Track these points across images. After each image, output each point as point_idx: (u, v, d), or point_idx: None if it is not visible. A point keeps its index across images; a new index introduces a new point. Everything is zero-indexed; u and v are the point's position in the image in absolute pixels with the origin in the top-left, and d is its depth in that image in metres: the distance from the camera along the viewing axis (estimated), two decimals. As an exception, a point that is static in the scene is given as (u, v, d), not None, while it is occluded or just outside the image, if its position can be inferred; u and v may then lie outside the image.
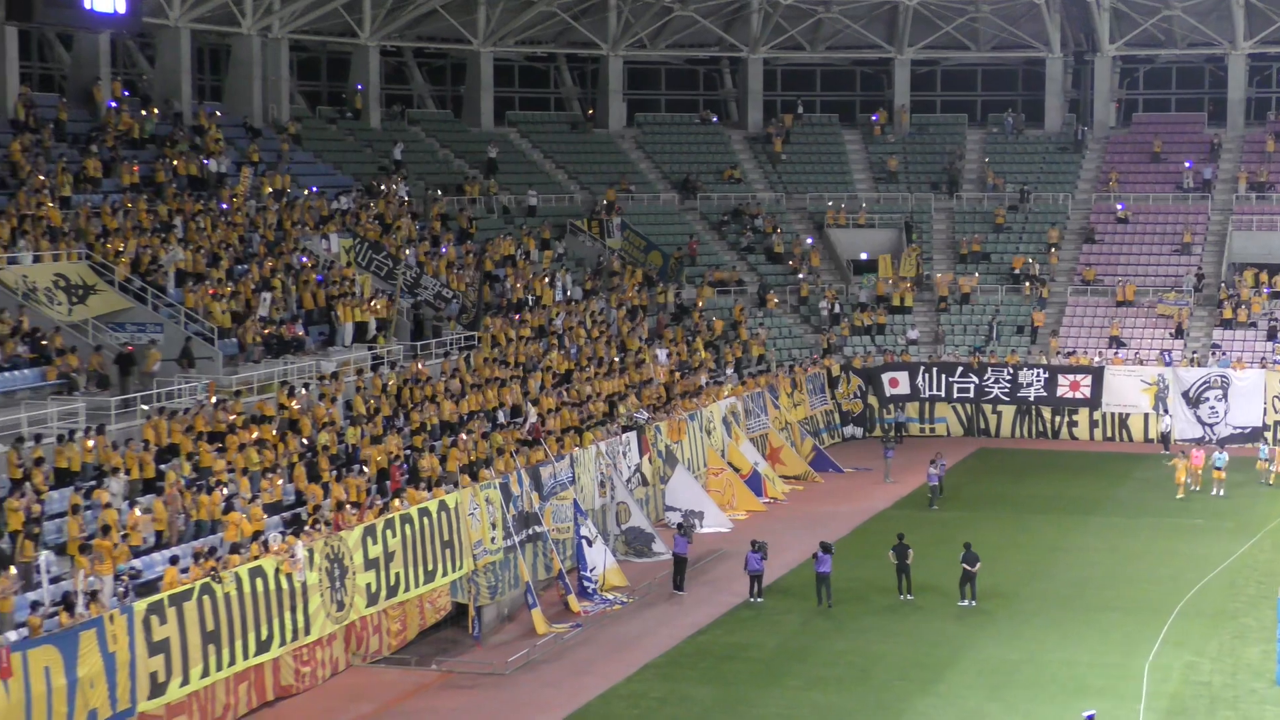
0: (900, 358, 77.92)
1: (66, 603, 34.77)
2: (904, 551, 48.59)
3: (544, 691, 40.31)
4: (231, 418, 46.13)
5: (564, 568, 49.11)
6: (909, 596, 48.22)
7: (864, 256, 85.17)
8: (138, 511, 39.81)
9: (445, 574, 45.20)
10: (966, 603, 47.33)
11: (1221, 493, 62.64)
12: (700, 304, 77.79)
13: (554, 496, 50.63)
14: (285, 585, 39.37)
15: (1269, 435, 70.60)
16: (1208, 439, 71.10)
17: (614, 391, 62.20)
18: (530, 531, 49.03)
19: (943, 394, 76.99)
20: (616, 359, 66.22)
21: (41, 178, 54.63)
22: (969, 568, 47.39)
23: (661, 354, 68.02)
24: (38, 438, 41.10)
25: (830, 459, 69.53)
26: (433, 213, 72.67)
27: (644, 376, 65.22)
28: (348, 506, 43.63)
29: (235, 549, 39.75)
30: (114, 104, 63.99)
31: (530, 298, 68.51)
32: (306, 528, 41.72)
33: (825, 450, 70.87)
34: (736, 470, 62.72)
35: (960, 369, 76.87)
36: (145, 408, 45.30)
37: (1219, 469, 63.08)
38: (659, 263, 79.41)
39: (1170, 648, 43.39)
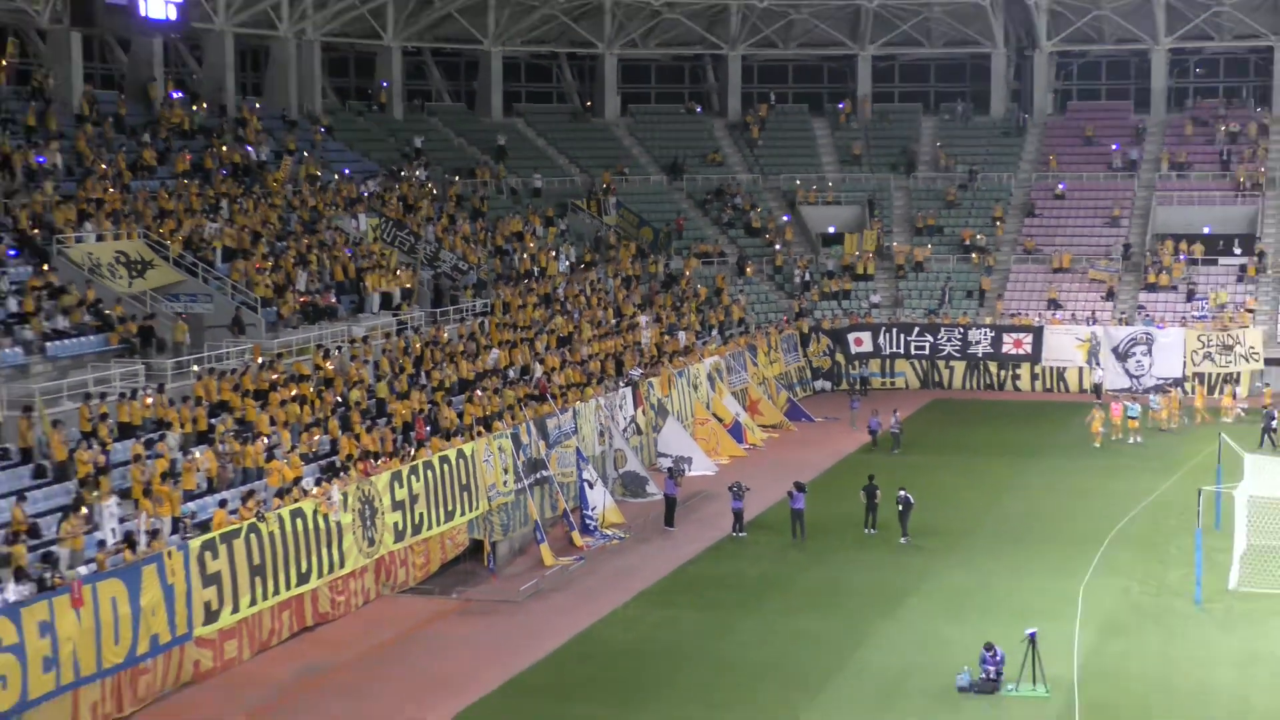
0: (864, 319, 77.82)
1: (129, 541, 34.81)
2: (873, 491, 48.54)
3: (552, 617, 40.34)
4: (274, 377, 46.11)
5: (568, 507, 49.09)
6: (873, 530, 48.21)
7: (831, 230, 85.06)
8: (196, 453, 39.84)
9: (463, 514, 45.22)
10: (905, 540, 47.21)
11: (1139, 439, 62.52)
12: (687, 273, 77.59)
13: (559, 445, 50.60)
14: (322, 525, 39.39)
15: (1172, 387, 70.39)
16: (1134, 389, 71.10)
17: (611, 351, 62.06)
18: (538, 476, 49.01)
19: (902, 351, 76.91)
20: (613, 323, 66.15)
21: (104, 166, 54.51)
22: (900, 509, 47.31)
23: (643, 319, 67.74)
24: (103, 395, 41.13)
25: (803, 409, 69.53)
26: (449, 194, 72.49)
27: (637, 339, 65.14)
28: (381, 457, 43.62)
29: (278, 493, 39.80)
30: (176, 94, 63.70)
31: (536, 269, 68.39)
32: (341, 474, 41.73)
33: (798, 402, 70.84)
34: (720, 420, 62.68)
35: (917, 329, 76.78)
36: (196, 369, 45.32)
37: (1133, 418, 62.88)
38: (650, 237, 79.27)
39: (1103, 573, 43.47)
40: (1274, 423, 60.80)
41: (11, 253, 46.63)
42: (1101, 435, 62.15)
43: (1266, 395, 66.68)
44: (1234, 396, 68.41)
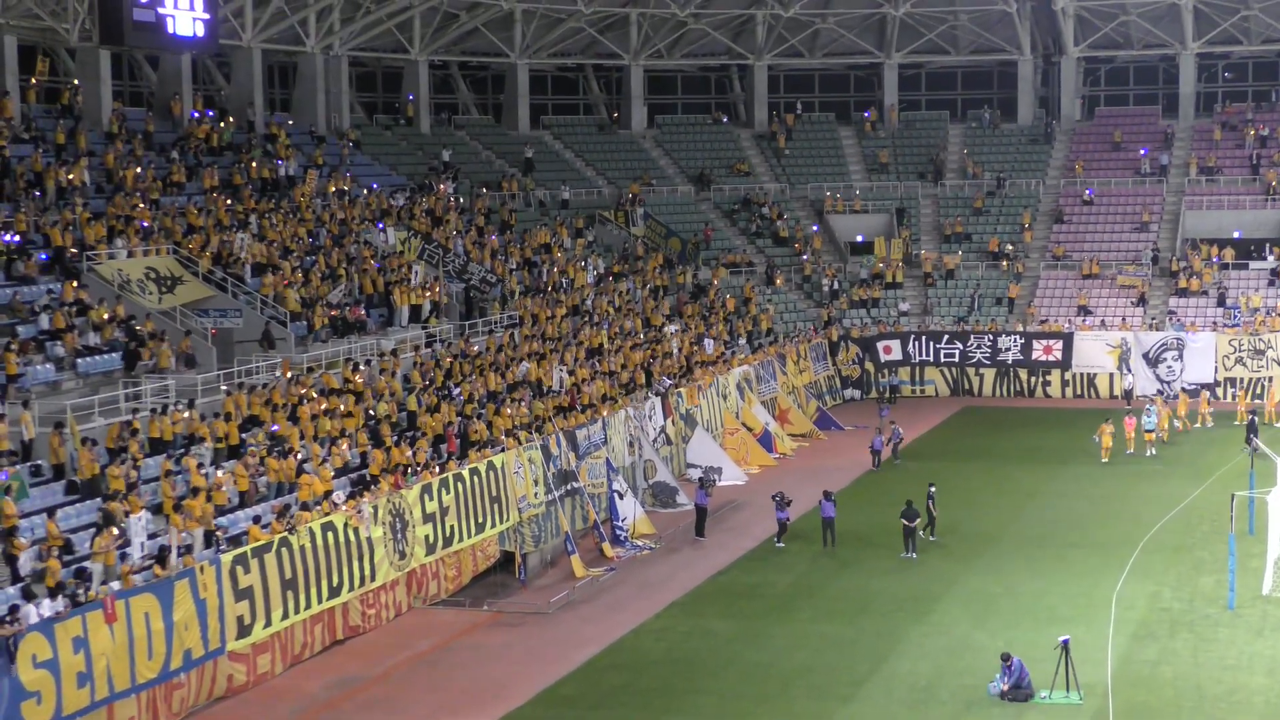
0: (893, 328, 77.81)
1: (159, 557, 34.94)
2: (929, 500, 48.13)
3: (583, 628, 40.41)
4: (303, 391, 46.24)
5: (598, 518, 49.16)
6: (932, 538, 47.97)
7: (860, 239, 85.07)
8: (220, 474, 39.99)
9: (494, 525, 45.30)
10: (908, 555, 46.60)
11: (1153, 452, 61.45)
12: (715, 283, 77.68)
13: (589, 456, 50.67)
14: (353, 538, 39.51)
15: (1158, 396, 69.98)
16: (1165, 394, 70.86)
17: (641, 362, 62.12)
18: (568, 487, 49.08)
19: (931, 359, 76.87)
20: (642, 333, 66.26)
21: (133, 182, 54.76)
22: (908, 523, 46.69)
23: (670, 329, 67.88)
24: (134, 411, 41.30)
25: (832, 418, 69.49)
26: (477, 207, 72.62)
27: (665, 349, 65.20)
28: (408, 470, 43.71)
29: (307, 506, 39.91)
30: (195, 115, 64.11)
31: (565, 281, 68.49)
32: (371, 487, 41.84)
33: (828, 411, 70.82)
34: (750, 430, 62.70)
35: (946, 336, 76.73)
36: (224, 386, 45.50)
37: (1149, 431, 62.07)
38: (678, 247, 79.35)
39: (1135, 579, 43.40)
40: (1255, 430, 60.41)
41: (43, 256, 47.00)
42: (1110, 450, 60.70)
43: (1241, 402, 67.47)
44: (1209, 402, 68.09)
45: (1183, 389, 70.60)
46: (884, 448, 60.76)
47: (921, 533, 47.59)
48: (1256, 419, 61.85)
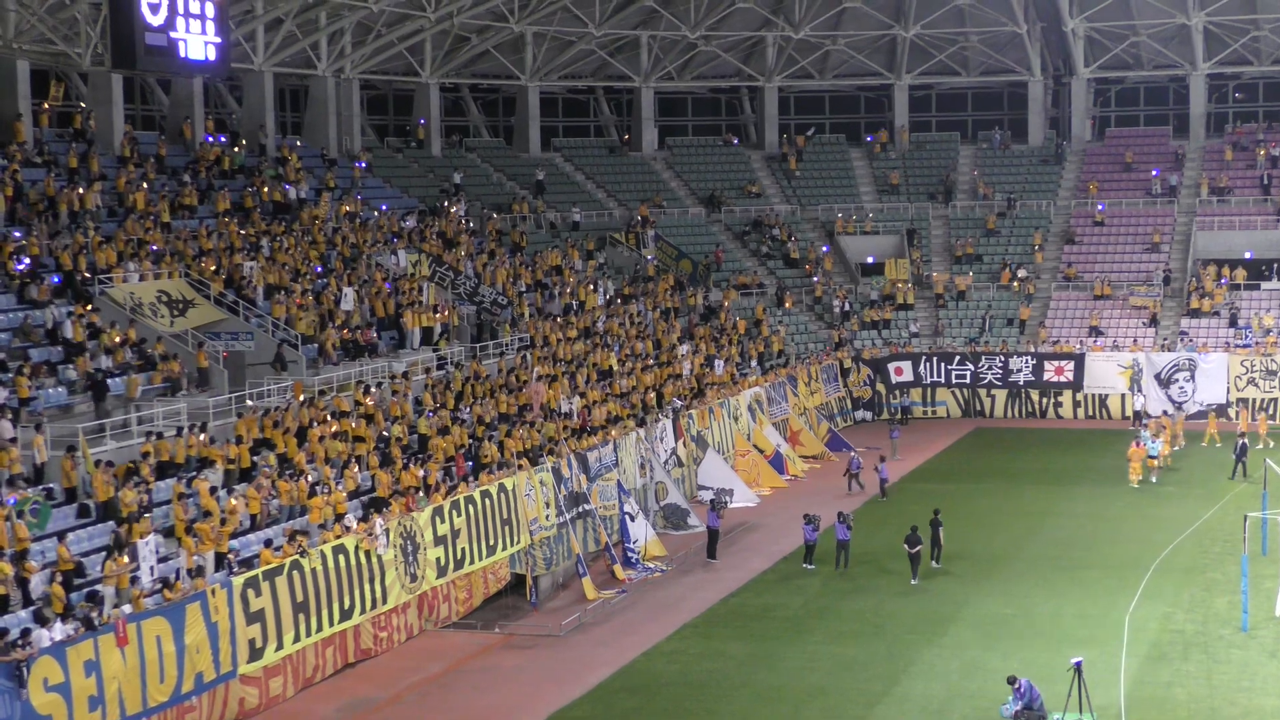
0: (904, 349, 77.76)
1: (167, 582, 34.93)
2: (936, 525, 47.97)
3: (595, 650, 40.35)
4: (315, 414, 46.25)
5: (610, 541, 49.11)
6: (936, 564, 47.62)
7: (870, 260, 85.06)
8: (233, 500, 40.00)
9: (505, 548, 45.28)
10: (916, 580, 46.18)
11: (1155, 479, 60.32)
12: (726, 305, 77.66)
13: (600, 478, 50.63)
14: (364, 561, 39.51)
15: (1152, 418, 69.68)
16: (1173, 416, 70.61)
17: (652, 384, 62.12)
18: (580, 509, 49.06)
19: (943, 380, 76.79)
20: (653, 355, 66.26)
21: (145, 205, 54.88)
22: (910, 549, 46.25)
23: (682, 349, 67.91)
24: (147, 434, 41.35)
25: (844, 440, 69.31)
26: (488, 229, 72.71)
27: (676, 371, 65.19)
28: (418, 491, 43.72)
29: (320, 529, 39.92)
30: (207, 138, 64.29)
31: (576, 303, 68.51)
32: (383, 509, 41.84)
33: (839, 432, 70.68)
34: (761, 451, 62.62)
35: (958, 358, 76.68)
36: (250, 403, 45.53)
37: (1153, 458, 61.24)
38: (689, 269, 79.38)
39: (1148, 600, 43.28)
40: (1245, 455, 60.17)
41: (55, 279, 47.13)
42: (1140, 472, 59.94)
43: (1211, 424, 67.69)
44: (1184, 424, 67.98)
45: (1164, 411, 70.54)
46: (889, 475, 60.34)
47: (935, 564, 47.47)
48: (1245, 442, 61.43)
